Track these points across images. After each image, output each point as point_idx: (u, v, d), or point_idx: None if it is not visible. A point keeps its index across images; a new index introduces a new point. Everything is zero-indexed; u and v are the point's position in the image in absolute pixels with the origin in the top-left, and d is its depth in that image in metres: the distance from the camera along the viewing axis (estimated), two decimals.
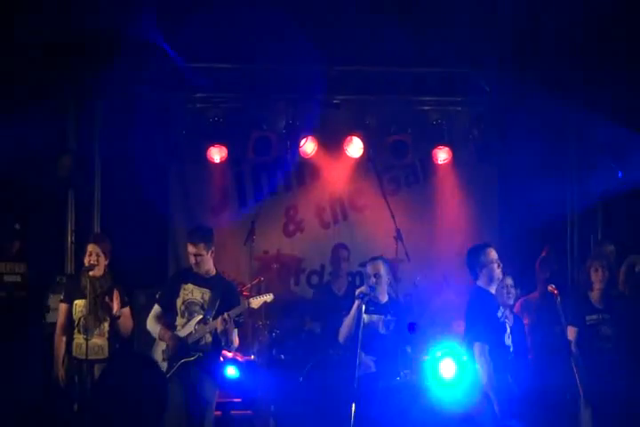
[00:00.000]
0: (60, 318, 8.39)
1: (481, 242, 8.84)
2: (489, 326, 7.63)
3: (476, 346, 7.54)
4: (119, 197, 10.90)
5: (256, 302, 7.79)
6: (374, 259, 8.57)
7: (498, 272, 7.82)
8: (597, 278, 8.34)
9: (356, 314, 8.10)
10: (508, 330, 7.83)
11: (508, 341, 7.79)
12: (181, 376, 7.65)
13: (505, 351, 7.71)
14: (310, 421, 9.30)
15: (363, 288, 8.24)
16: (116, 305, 8.25)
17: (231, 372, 9.32)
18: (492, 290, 7.93)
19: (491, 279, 7.83)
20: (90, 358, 8.04)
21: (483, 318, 7.68)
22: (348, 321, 8.29)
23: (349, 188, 11.64)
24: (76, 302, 8.29)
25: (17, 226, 10.01)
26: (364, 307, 8.00)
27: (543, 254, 9.15)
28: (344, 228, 11.64)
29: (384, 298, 8.47)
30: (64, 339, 8.31)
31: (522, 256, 10.22)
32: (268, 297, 7.88)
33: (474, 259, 7.82)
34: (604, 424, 8.04)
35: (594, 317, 8.27)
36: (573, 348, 7.98)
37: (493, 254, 7.86)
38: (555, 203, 11.40)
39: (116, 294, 8.28)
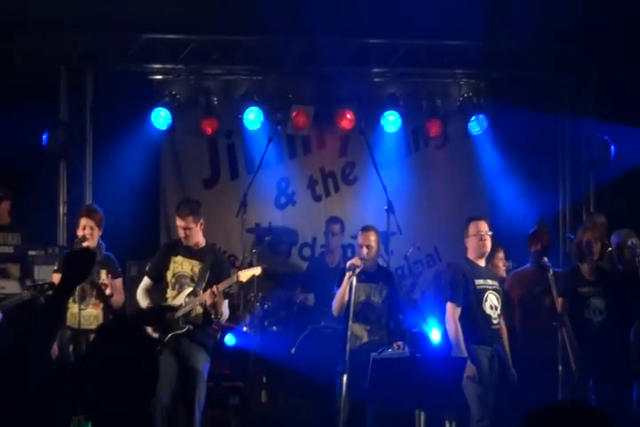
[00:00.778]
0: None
1: (471, 214, 8.94)
2: (463, 291, 7.86)
3: (448, 305, 7.93)
4: (111, 168, 10.91)
5: (245, 275, 7.75)
6: (366, 229, 8.58)
7: (481, 245, 7.97)
8: (589, 251, 8.36)
9: (348, 286, 8.11)
10: (493, 301, 7.91)
11: (491, 311, 7.88)
12: (172, 347, 7.67)
13: (483, 319, 7.84)
14: (302, 392, 9.35)
15: (354, 260, 8.23)
16: (108, 289, 8.21)
17: (228, 339, 9.36)
18: (481, 262, 8.03)
19: (474, 251, 7.99)
20: (83, 327, 8.02)
21: (456, 283, 7.97)
22: (340, 294, 8.29)
23: (341, 160, 11.62)
24: None
25: None
26: (354, 279, 8.01)
27: (535, 227, 9.15)
28: (336, 200, 11.63)
29: (375, 267, 8.51)
30: None
31: (513, 229, 10.24)
32: (257, 270, 7.84)
33: (463, 230, 8.04)
34: (596, 394, 8.11)
35: (585, 289, 8.29)
36: (564, 319, 8.01)
37: (479, 227, 8.00)
38: (547, 175, 11.44)
39: (108, 278, 8.24)
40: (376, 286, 8.43)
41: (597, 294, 8.26)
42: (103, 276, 8.30)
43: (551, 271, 8.05)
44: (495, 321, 7.98)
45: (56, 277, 8.31)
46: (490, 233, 8.06)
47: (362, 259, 8.24)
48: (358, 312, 8.19)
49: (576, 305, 8.22)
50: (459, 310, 7.87)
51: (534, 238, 8.88)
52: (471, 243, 8.07)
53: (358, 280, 8.16)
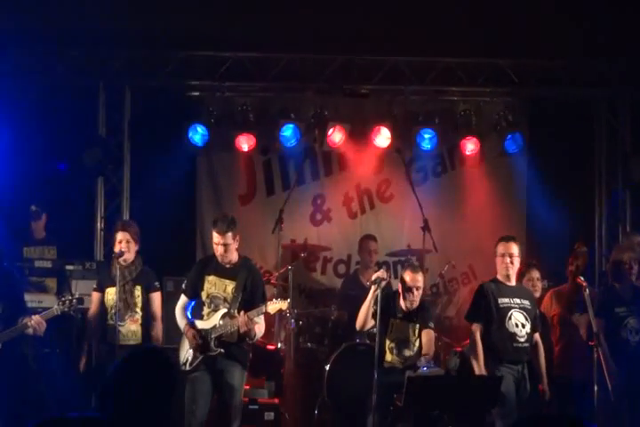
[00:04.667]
0: (93, 307, 8.51)
1: (507, 232, 8.95)
2: (484, 310, 7.93)
3: (473, 326, 7.97)
4: (147, 184, 10.98)
5: (272, 308, 7.67)
6: (415, 270, 8.35)
7: (504, 267, 7.97)
8: (628, 271, 8.32)
9: (373, 300, 8.04)
10: (519, 319, 7.87)
11: (517, 329, 7.82)
12: (208, 365, 7.70)
13: (507, 336, 7.80)
14: (336, 409, 9.34)
15: (379, 273, 8.11)
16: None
17: None
18: (508, 282, 7.99)
19: (500, 271, 7.98)
20: (122, 343, 8.11)
21: (477, 302, 8.06)
22: (364, 308, 8.20)
23: (377, 178, 11.62)
24: (108, 289, 8.37)
25: (33, 208, 10.11)
26: (379, 293, 7.94)
27: (576, 247, 9.13)
28: (371, 218, 11.62)
29: (414, 305, 8.28)
30: (94, 326, 8.43)
31: (551, 247, 10.22)
32: (284, 305, 7.75)
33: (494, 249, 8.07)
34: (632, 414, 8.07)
35: (622, 309, 8.25)
36: (600, 339, 7.97)
37: (506, 248, 8.00)
38: (584, 193, 11.40)
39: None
40: (414, 324, 8.31)
41: (634, 313, 8.22)
42: (137, 293, 8.38)
43: (587, 290, 8.02)
44: (522, 339, 7.90)
45: (95, 295, 8.42)
46: (517, 256, 8.02)
47: (408, 300, 8.20)
48: (394, 348, 8.16)
49: (613, 325, 8.19)
50: (480, 328, 7.87)
51: (572, 257, 8.86)
52: (498, 263, 8.08)
53: (397, 318, 8.17)
